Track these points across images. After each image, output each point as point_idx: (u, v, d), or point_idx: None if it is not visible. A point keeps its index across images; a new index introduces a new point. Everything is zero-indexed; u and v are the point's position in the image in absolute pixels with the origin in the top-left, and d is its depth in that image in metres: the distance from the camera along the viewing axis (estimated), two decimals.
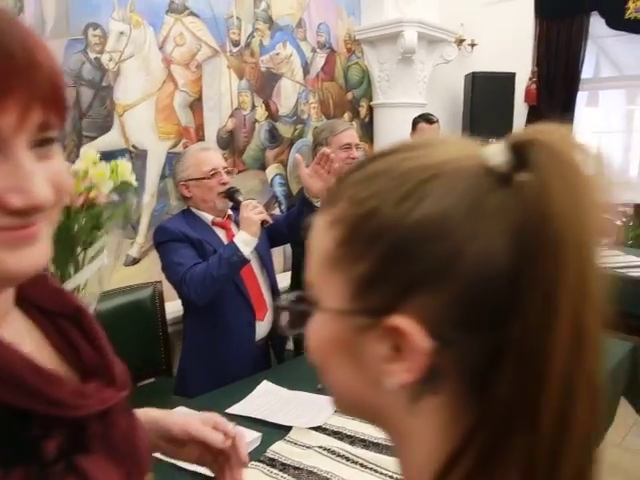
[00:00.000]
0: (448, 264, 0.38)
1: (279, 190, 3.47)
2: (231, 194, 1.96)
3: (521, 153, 0.39)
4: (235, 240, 1.82)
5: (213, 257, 1.81)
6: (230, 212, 2.06)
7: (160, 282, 2.55)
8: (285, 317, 0.51)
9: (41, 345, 0.56)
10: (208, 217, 2.00)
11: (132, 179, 1.22)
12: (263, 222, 1.85)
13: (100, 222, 1.15)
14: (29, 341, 0.54)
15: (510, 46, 4.53)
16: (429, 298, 0.39)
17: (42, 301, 0.58)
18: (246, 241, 1.82)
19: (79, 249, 1.13)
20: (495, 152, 0.40)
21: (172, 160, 2.85)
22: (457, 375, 0.41)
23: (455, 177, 0.40)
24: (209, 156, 1.99)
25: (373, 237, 0.41)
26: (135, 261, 2.81)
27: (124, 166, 1.21)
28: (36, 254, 0.47)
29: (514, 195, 0.38)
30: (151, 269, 2.85)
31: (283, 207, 3.49)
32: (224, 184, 1.96)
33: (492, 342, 0.38)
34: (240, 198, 1.94)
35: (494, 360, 0.38)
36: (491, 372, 0.39)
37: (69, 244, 1.11)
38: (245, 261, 1.83)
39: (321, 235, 0.46)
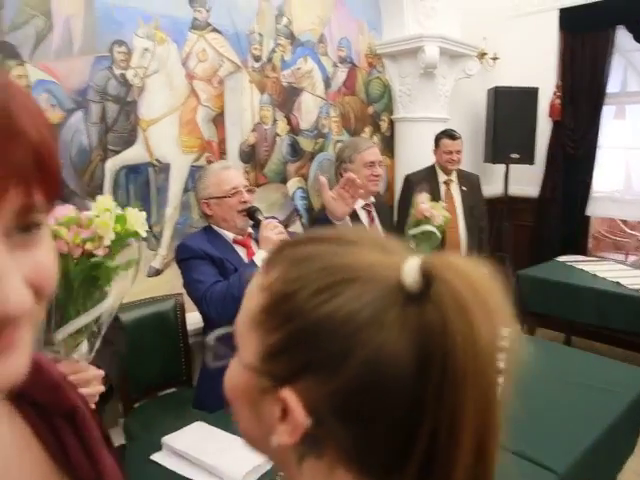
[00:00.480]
0: (338, 361, 0.43)
1: (300, 203, 3.49)
2: (251, 213, 1.98)
3: (428, 280, 0.43)
4: (255, 259, 1.84)
5: (234, 276, 1.83)
6: (251, 230, 2.08)
7: (181, 294, 2.59)
8: (210, 352, 0.57)
9: (30, 447, 0.51)
10: (229, 235, 2.02)
11: (142, 230, 1.21)
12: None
13: (101, 273, 1.13)
14: (15, 443, 0.49)
15: (534, 60, 4.51)
16: (316, 384, 0.45)
17: (37, 396, 0.53)
18: None
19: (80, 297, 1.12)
20: (410, 271, 0.44)
21: (195, 173, 2.90)
22: (337, 448, 0.46)
23: (370, 284, 0.45)
24: (230, 175, 2.02)
25: (288, 316, 0.46)
26: (158, 272, 2.85)
27: (137, 216, 1.19)
28: (15, 364, 0.39)
29: (417, 316, 0.43)
30: (173, 280, 2.88)
31: (304, 220, 3.50)
32: (245, 202, 1.98)
33: (371, 434, 0.44)
34: (260, 217, 1.95)
35: (399, 453, 0.44)
36: (394, 462, 0.44)
37: (69, 289, 1.11)
38: None
39: (253, 294, 0.52)
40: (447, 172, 3.47)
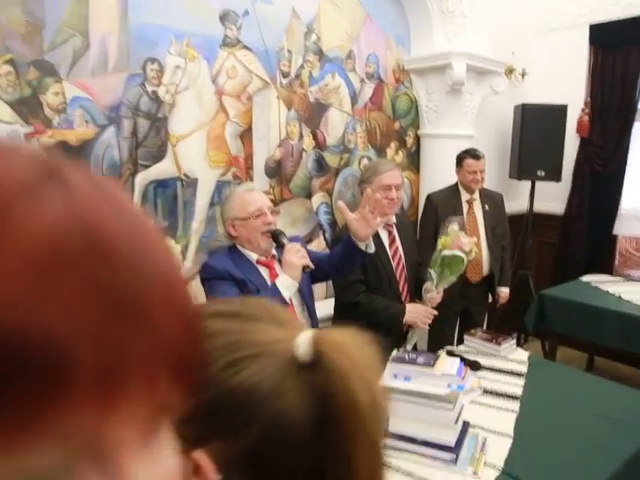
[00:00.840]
0: (245, 427, 0.50)
1: (324, 218, 3.52)
2: (275, 236, 2.01)
3: (317, 354, 0.51)
4: (277, 283, 1.87)
5: None
6: (274, 252, 2.11)
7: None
8: None
9: None
10: (253, 256, 2.06)
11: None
12: (305, 267, 1.89)
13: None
14: None
15: (563, 76, 4.48)
16: (226, 446, 0.51)
17: None
18: (287, 285, 1.86)
19: None
20: (301, 345, 0.52)
21: (221, 188, 2.95)
22: None
23: (269, 359, 0.53)
24: (254, 197, 2.06)
25: (201, 386, 0.49)
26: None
27: (173, 247, 1.24)
28: None
29: (309, 384, 0.51)
30: (197, 293, 2.94)
31: (327, 235, 3.53)
32: (269, 224, 2.02)
33: None
34: (284, 240, 1.98)
35: None
36: None
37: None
38: (285, 304, 1.88)
39: None
40: (470, 191, 3.46)
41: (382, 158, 2.82)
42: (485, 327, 3.78)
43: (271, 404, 0.50)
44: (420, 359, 1.74)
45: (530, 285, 4.38)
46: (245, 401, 0.51)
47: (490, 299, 3.74)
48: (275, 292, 1.85)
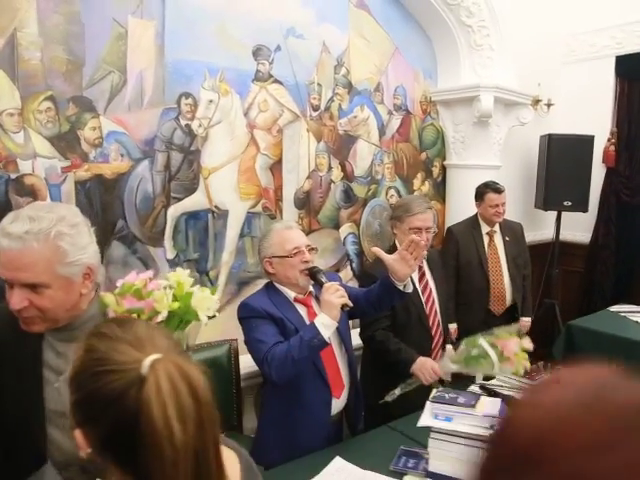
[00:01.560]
0: (99, 419, 0.75)
1: (351, 249, 3.53)
2: (314, 274, 2.01)
3: (150, 375, 0.74)
4: (316, 322, 1.85)
5: (294, 338, 1.85)
6: (312, 289, 2.10)
7: (236, 340, 2.64)
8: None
9: None
10: (290, 294, 2.05)
11: (206, 313, 1.24)
12: (343, 306, 1.88)
13: None
14: None
15: (588, 106, 4.48)
16: (91, 430, 0.78)
17: None
18: (326, 324, 1.84)
19: None
20: (144, 366, 0.74)
21: (251, 220, 2.98)
22: (115, 469, 0.78)
23: (121, 374, 0.74)
24: (292, 235, 2.05)
25: (75, 389, 0.79)
26: (211, 316, 2.90)
27: (205, 298, 1.21)
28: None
29: (143, 395, 0.72)
30: (226, 323, 2.94)
31: (355, 265, 3.54)
32: (306, 262, 2.01)
33: (129, 462, 0.75)
34: (323, 279, 1.97)
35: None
36: None
37: None
38: (325, 344, 1.86)
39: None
40: (491, 224, 3.44)
41: (415, 195, 2.77)
42: None
43: (117, 405, 0.73)
44: (460, 399, 1.72)
45: (556, 314, 4.33)
46: (101, 401, 0.74)
47: None
48: (313, 331, 1.84)
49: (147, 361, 0.74)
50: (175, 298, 1.21)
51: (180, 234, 2.77)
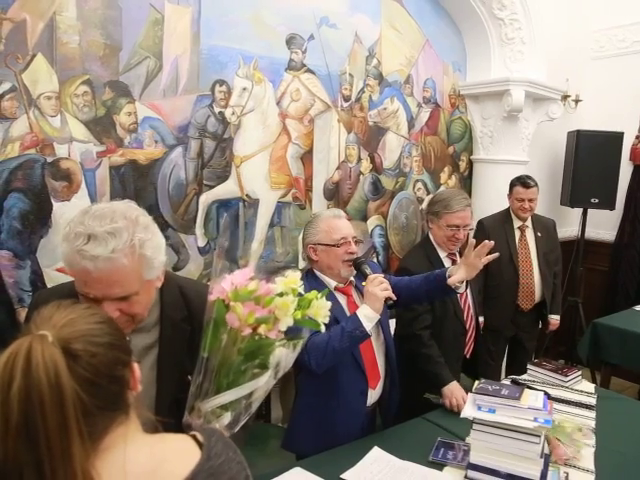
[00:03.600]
0: None
1: (378, 241, 3.52)
2: (358, 265, 1.99)
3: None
4: (358, 314, 1.82)
5: (335, 329, 1.82)
6: (352, 278, 2.08)
7: None
8: None
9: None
10: (331, 282, 2.03)
11: (323, 320, 1.14)
12: (387, 299, 1.86)
13: (267, 355, 1.08)
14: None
15: (617, 103, 4.43)
16: None
17: None
18: (369, 317, 1.82)
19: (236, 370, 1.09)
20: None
21: (281, 209, 2.97)
22: None
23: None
24: (340, 224, 2.03)
25: None
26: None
27: (322, 306, 1.12)
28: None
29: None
30: None
31: (381, 257, 3.52)
32: (352, 253, 1.99)
33: None
34: (367, 271, 1.95)
35: None
36: None
37: (226, 361, 1.08)
38: (367, 336, 1.84)
39: None
40: (521, 218, 3.41)
41: (454, 191, 2.70)
42: (534, 354, 3.71)
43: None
44: (504, 391, 1.70)
45: (580, 312, 4.30)
46: None
47: (540, 326, 3.68)
48: (355, 322, 1.81)
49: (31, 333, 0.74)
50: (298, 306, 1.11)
51: (211, 222, 2.76)
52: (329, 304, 1.20)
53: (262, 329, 1.05)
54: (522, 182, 3.34)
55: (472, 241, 2.02)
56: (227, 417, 1.09)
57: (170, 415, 0.86)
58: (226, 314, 1.07)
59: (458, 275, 1.99)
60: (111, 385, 0.78)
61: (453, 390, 2.24)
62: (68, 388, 0.71)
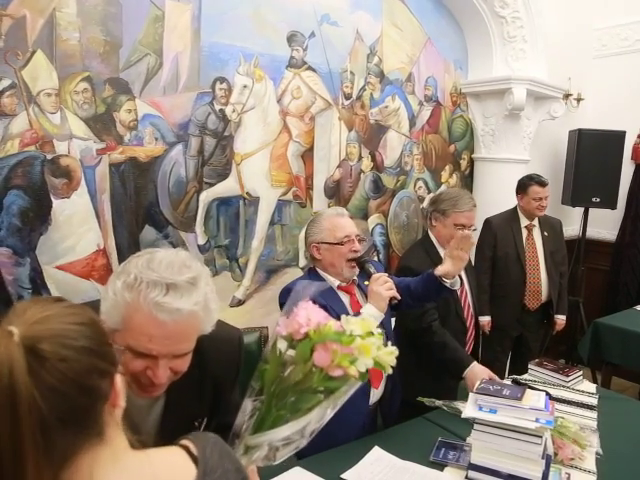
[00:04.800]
0: None
1: (379, 240, 3.50)
2: (362, 263, 1.97)
3: None
4: (363, 313, 1.82)
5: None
6: (355, 277, 2.07)
7: (266, 328, 2.62)
8: None
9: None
10: (334, 281, 2.01)
11: (388, 366, 1.05)
12: (391, 298, 1.84)
13: (332, 394, 1.03)
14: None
15: (619, 101, 4.41)
16: None
17: None
18: (373, 316, 1.80)
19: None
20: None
21: (282, 207, 2.96)
22: None
23: None
24: (343, 223, 2.02)
25: None
26: (240, 303, 2.90)
27: (391, 352, 1.05)
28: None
29: None
30: (253, 311, 2.94)
31: (382, 256, 3.51)
32: (355, 252, 1.98)
33: None
34: (371, 269, 1.94)
35: None
36: None
37: (295, 398, 1.02)
38: None
39: None
40: (530, 217, 3.40)
41: (461, 191, 2.66)
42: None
43: None
44: (506, 391, 1.69)
45: (580, 312, 4.29)
46: None
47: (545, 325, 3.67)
48: None
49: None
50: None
51: (211, 220, 2.75)
52: (395, 350, 1.09)
53: (352, 370, 0.98)
54: (538, 181, 3.33)
55: (458, 233, 2.01)
56: (265, 449, 1.05)
57: None
58: (314, 353, 1.00)
59: (443, 267, 1.97)
60: (80, 397, 0.67)
61: (476, 373, 2.24)
62: (24, 392, 0.62)
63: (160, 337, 1.04)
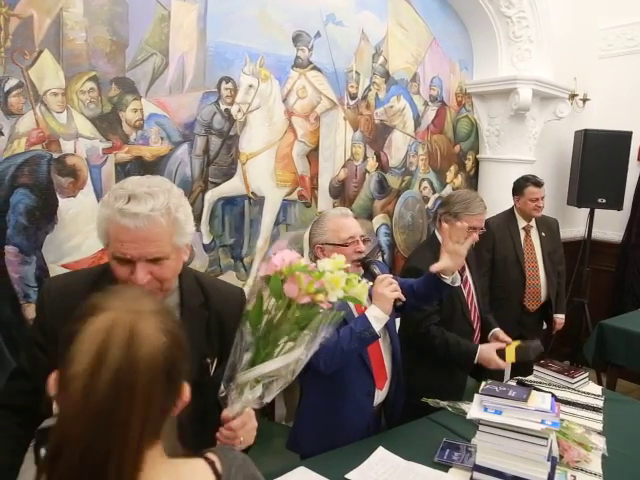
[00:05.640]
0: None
1: (384, 240, 3.50)
2: (367, 264, 1.95)
3: None
4: (367, 315, 1.81)
5: (344, 329, 1.80)
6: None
7: None
8: None
9: None
10: None
11: (364, 299, 1.26)
12: (396, 300, 1.83)
13: (311, 323, 1.17)
14: None
15: (625, 102, 4.40)
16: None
17: None
18: (378, 318, 1.80)
19: (281, 341, 1.17)
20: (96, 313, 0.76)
21: (286, 207, 2.96)
22: None
23: (86, 315, 0.74)
24: (348, 223, 2.00)
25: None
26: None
27: (363, 288, 1.24)
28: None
29: None
30: None
31: (386, 256, 3.51)
32: (360, 253, 1.97)
33: None
34: (376, 271, 1.92)
35: None
36: None
37: (274, 333, 1.16)
38: (376, 337, 1.82)
39: None
40: (527, 218, 3.39)
41: (472, 193, 2.65)
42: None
43: (68, 332, 0.74)
44: (511, 392, 1.69)
45: (585, 313, 4.28)
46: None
47: (545, 326, 3.66)
48: (365, 323, 1.80)
49: (104, 311, 0.72)
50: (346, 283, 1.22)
51: (217, 219, 2.75)
52: (367, 286, 1.27)
53: (320, 297, 1.14)
54: (534, 182, 3.32)
55: (445, 226, 2.02)
56: (259, 390, 1.17)
57: (191, 398, 0.84)
58: (284, 285, 1.14)
59: (441, 263, 1.95)
60: (170, 391, 0.75)
61: (486, 355, 2.30)
62: (159, 374, 0.70)
63: (129, 241, 1.20)
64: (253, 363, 1.16)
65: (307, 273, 1.14)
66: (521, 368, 3.23)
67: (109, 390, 0.66)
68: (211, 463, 0.83)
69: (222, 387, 1.19)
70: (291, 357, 1.16)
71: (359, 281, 1.25)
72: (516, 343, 2.39)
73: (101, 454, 0.65)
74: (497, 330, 2.58)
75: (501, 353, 2.34)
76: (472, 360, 2.32)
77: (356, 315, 1.91)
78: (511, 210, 3.43)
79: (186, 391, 0.81)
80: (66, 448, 0.65)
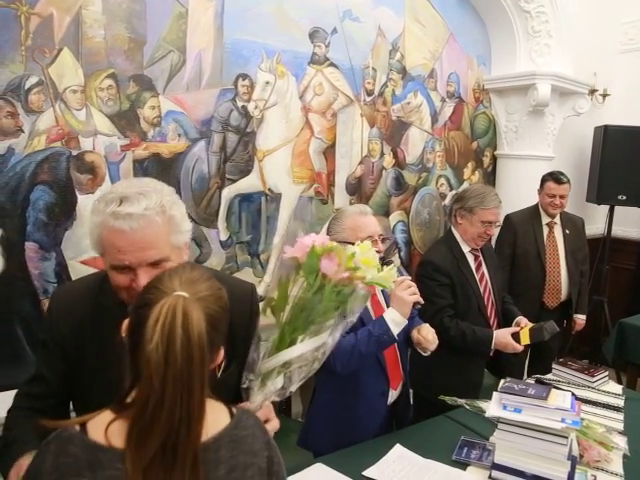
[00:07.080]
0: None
1: (400, 237, 3.49)
2: (385, 265, 1.94)
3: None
4: (386, 318, 1.79)
5: (362, 332, 1.79)
6: None
7: None
8: None
9: None
10: None
11: (389, 283, 1.29)
12: (415, 303, 1.81)
13: (344, 305, 1.17)
14: None
15: None
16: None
17: None
18: (397, 321, 1.78)
19: (315, 324, 1.16)
20: (163, 295, 0.91)
21: (303, 204, 2.96)
22: None
23: (151, 295, 0.93)
24: (367, 222, 1.96)
25: None
26: (261, 299, 2.89)
27: (391, 272, 1.29)
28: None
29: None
30: None
31: (403, 254, 3.49)
32: (378, 252, 1.95)
33: None
34: None
35: None
36: None
37: (304, 314, 1.15)
38: (394, 341, 1.81)
39: None
40: (550, 214, 3.36)
41: (487, 187, 2.63)
42: (558, 354, 3.65)
43: (140, 311, 0.91)
44: (531, 390, 1.67)
45: (605, 312, 4.23)
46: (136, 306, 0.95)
47: (564, 325, 3.62)
48: (383, 327, 1.78)
49: (170, 294, 0.89)
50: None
51: (233, 216, 2.76)
52: (394, 271, 1.32)
53: (360, 272, 1.17)
54: (554, 177, 3.30)
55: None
56: (280, 381, 1.17)
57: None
58: (321, 261, 1.15)
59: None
60: (212, 357, 0.93)
61: (502, 340, 2.32)
62: (205, 346, 0.87)
63: (126, 246, 1.15)
64: (277, 350, 1.14)
65: (339, 255, 1.15)
66: (539, 366, 3.21)
67: (181, 358, 0.84)
68: (229, 407, 1.00)
69: (244, 378, 1.17)
70: (319, 341, 1.16)
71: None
72: (530, 325, 2.39)
73: (178, 401, 0.85)
74: (520, 318, 2.55)
75: (516, 337, 2.34)
76: (489, 346, 2.31)
77: (372, 312, 1.90)
78: (535, 205, 3.41)
79: (221, 353, 0.99)
80: (152, 397, 0.84)
